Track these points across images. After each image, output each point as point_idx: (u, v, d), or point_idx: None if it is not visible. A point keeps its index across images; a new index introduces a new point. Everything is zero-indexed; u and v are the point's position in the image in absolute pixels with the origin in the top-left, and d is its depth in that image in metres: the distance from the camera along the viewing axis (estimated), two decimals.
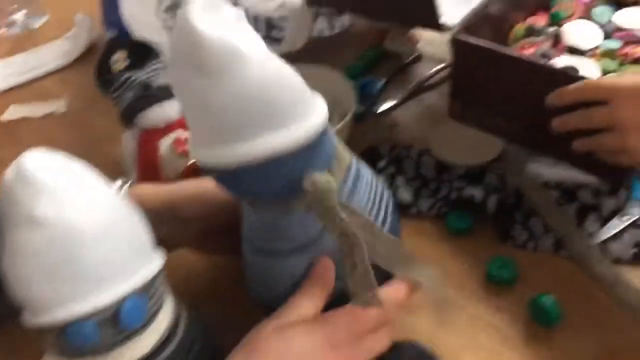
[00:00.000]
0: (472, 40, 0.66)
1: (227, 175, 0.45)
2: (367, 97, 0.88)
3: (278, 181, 0.45)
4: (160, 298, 0.46)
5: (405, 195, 0.70)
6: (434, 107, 0.86)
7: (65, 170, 0.42)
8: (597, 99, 0.58)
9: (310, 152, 0.45)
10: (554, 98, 0.61)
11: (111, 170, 0.85)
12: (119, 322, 0.42)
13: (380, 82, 0.90)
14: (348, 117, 0.75)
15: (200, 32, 0.40)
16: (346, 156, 0.52)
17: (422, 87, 0.89)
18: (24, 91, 1.00)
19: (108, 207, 0.43)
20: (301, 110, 0.45)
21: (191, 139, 0.47)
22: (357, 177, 0.52)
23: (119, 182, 0.60)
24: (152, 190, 0.57)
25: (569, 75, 0.62)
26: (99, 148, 0.86)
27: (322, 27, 0.94)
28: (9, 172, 0.41)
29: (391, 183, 0.71)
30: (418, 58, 0.94)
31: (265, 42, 0.93)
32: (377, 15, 0.80)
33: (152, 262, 0.45)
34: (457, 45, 0.68)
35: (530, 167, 0.70)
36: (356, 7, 0.81)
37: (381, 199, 0.55)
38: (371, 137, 0.81)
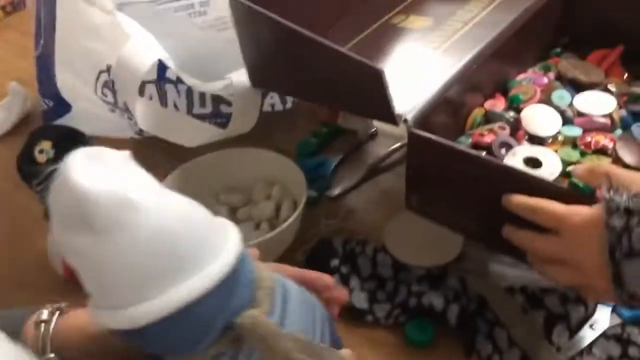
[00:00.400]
0: (426, 134, 0.62)
1: (134, 335, 0.39)
2: (320, 179, 0.83)
3: (193, 331, 0.39)
4: None
5: (360, 300, 0.64)
6: (390, 192, 0.81)
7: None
8: (545, 226, 0.53)
9: (225, 291, 0.40)
10: (505, 202, 0.57)
11: (36, 264, 0.77)
12: None
13: (334, 162, 0.86)
14: (299, 210, 0.69)
15: (83, 187, 0.35)
16: (268, 278, 0.46)
17: (379, 168, 0.85)
18: None
19: None
20: (209, 251, 0.40)
21: (89, 299, 0.41)
22: (285, 298, 0.46)
23: (44, 313, 0.53)
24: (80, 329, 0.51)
25: (521, 174, 0.58)
26: (25, 237, 0.78)
27: (273, 101, 0.89)
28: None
29: (345, 284, 0.66)
30: (374, 135, 0.90)
31: (212, 120, 0.90)
32: (325, 103, 0.76)
33: None
34: (411, 138, 0.63)
35: (493, 267, 0.65)
36: (303, 94, 0.76)
37: (314, 311, 0.49)
38: (324, 226, 0.75)
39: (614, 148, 0.68)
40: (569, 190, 0.58)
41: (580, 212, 0.50)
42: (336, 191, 0.81)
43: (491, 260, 0.66)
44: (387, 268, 0.67)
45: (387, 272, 0.67)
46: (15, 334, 0.50)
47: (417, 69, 0.74)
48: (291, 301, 0.46)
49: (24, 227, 0.80)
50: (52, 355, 0.50)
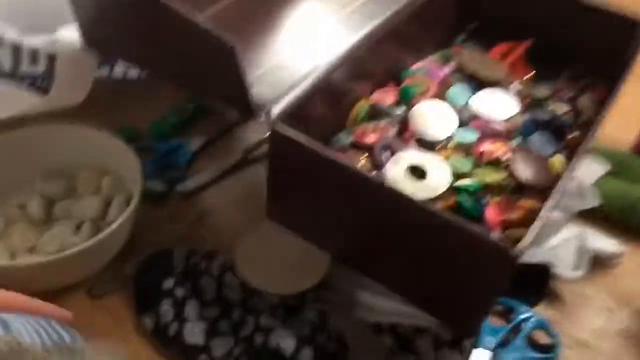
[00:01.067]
0: (288, 131, 0.49)
1: None
2: (174, 169, 0.69)
3: None
4: None
5: (195, 334, 0.51)
6: (258, 191, 0.68)
7: None
8: None
9: None
10: None
11: None
12: None
13: (194, 147, 0.71)
14: (131, 208, 0.55)
15: None
16: None
17: (248, 159, 0.71)
18: None
19: None
20: None
21: None
22: None
23: None
24: None
25: (390, 192, 0.47)
26: None
27: (120, 69, 0.72)
28: None
29: (178, 314, 0.52)
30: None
31: (27, 83, 0.72)
32: (173, 81, 0.61)
33: None
34: (272, 135, 0.51)
35: (360, 297, 0.54)
36: (147, 65, 0.60)
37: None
38: (167, 231, 0.61)
39: (509, 160, 0.59)
40: (445, 216, 0.47)
41: None
42: (189, 186, 0.67)
43: (359, 288, 0.55)
44: (235, 292, 0.55)
45: (235, 296, 0.55)
46: None
47: (294, 48, 0.61)
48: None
49: None
50: None
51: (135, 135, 0.71)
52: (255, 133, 0.75)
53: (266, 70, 0.55)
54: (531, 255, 0.60)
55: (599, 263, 0.62)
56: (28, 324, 0.37)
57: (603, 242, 0.62)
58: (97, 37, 0.60)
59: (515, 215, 0.54)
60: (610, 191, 0.66)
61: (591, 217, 0.66)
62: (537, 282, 0.59)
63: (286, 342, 0.49)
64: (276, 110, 0.51)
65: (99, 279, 0.56)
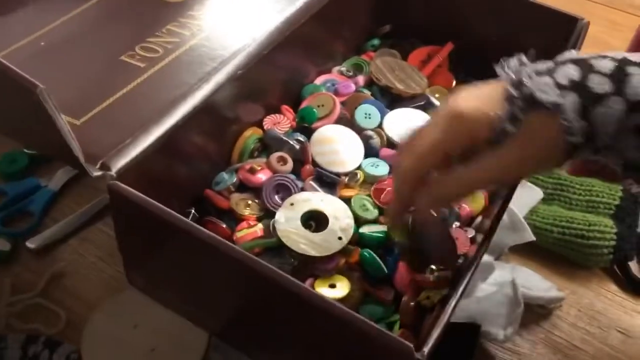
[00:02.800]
0: (126, 189, 0.37)
1: None
2: (26, 217, 0.56)
3: None
4: None
5: None
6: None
7: None
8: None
9: None
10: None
11: None
12: None
13: (54, 188, 0.58)
14: None
15: None
16: None
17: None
18: None
19: None
20: None
21: None
22: None
23: None
24: None
25: (252, 265, 0.36)
26: None
27: None
28: None
29: None
30: None
31: None
32: None
33: None
34: (111, 195, 0.38)
35: None
36: None
37: None
38: (8, 307, 0.49)
39: None
40: (322, 303, 0.36)
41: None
42: (43, 240, 0.54)
43: None
44: None
45: None
46: None
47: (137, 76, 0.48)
48: None
49: None
50: None
51: None
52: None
53: (105, 107, 0.43)
54: (456, 310, 0.50)
55: (535, 311, 0.53)
56: None
57: (539, 286, 0.53)
58: None
59: (432, 274, 0.44)
60: (546, 221, 0.57)
61: (525, 251, 0.57)
62: (464, 342, 0.50)
63: None
64: (118, 161, 0.39)
65: None
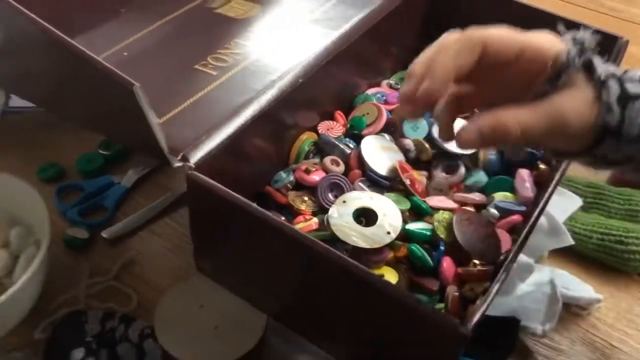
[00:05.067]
0: (204, 179, 0.42)
1: None
2: (101, 210, 0.62)
3: None
4: None
5: None
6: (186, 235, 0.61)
7: None
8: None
9: None
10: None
11: None
12: None
13: (125, 186, 0.64)
14: (35, 266, 0.48)
15: None
16: None
17: (185, 198, 0.64)
18: None
19: None
20: None
21: None
22: None
23: None
24: None
25: (321, 250, 0.40)
26: None
27: None
28: None
29: None
30: None
31: None
32: (86, 126, 0.53)
33: None
34: (190, 185, 0.44)
35: None
36: (59, 110, 0.53)
37: None
38: (85, 288, 0.54)
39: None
40: (381, 284, 0.40)
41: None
42: (116, 231, 0.59)
43: (299, 351, 0.48)
44: None
45: None
46: None
47: (219, 80, 0.54)
48: None
49: None
50: None
51: (60, 173, 0.64)
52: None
53: (191, 105, 0.48)
54: (497, 306, 0.53)
55: (573, 311, 0.55)
56: None
57: (577, 288, 0.56)
58: (3, 75, 0.53)
59: (474, 267, 0.47)
60: (585, 227, 0.60)
61: (564, 256, 0.59)
62: (504, 336, 0.52)
63: None
64: (197, 152, 0.44)
65: (4, 346, 0.49)
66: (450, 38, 0.38)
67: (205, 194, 0.43)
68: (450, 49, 0.37)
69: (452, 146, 0.57)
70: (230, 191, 0.41)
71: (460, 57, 0.37)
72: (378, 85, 0.66)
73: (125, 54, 0.55)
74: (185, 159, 0.43)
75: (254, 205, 0.41)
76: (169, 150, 0.43)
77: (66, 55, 0.42)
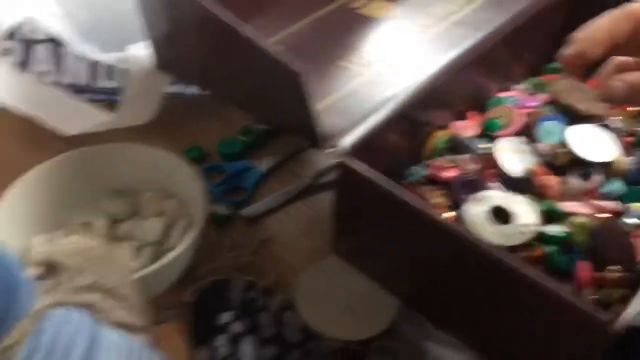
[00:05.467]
0: (357, 165, 0.45)
1: None
2: (240, 191, 0.67)
3: None
4: None
5: None
6: (326, 218, 0.64)
7: None
8: None
9: None
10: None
11: None
12: None
13: (262, 169, 0.69)
14: (192, 236, 0.53)
15: None
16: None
17: (318, 185, 0.68)
18: None
19: None
20: None
21: None
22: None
23: None
24: None
25: (464, 238, 0.42)
26: None
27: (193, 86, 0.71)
28: None
29: (233, 352, 0.50)
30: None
31: (103, 98, 0.71)
32: (242, 107, 0.58)
33: None
34: (341, 169, 0.47)
35: (429, 349, 0.50)
36: (217, 90, 0.58)
37: None
38: (227, 260, 0.59)
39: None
40: (522, 270, 0.41)
41: None
42: (256, 210, 0.64)
43: (429, 338, 0.51)
44: (295, 332, 0.51)
45: (294, 337, 0.51)
46: None
47: (369, 74, 0.57)
48: None
49: None
50: None
51: (203, 155, 0.70)
52: (328, 157, 0.71)
53: (338, 98, 0.52)
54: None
55: None
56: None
57: None
58: (167, 57, 0.59)
59: (612, 273, 0.48)
60: None
61: None
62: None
63: None
64: (346, 141, 0.47)
65: (155, 306, 0.54)
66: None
67: (355, 179, 0.46)
68: (606, 17, 0.41)
69: (586, 153, 0.57)
70: (385, 178, 0.44)
71: (616, 25, 0.41)
72: (507, 89, 0.67)
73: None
74: (337, 145, 0.47)
75: (403, 190, 0.43)
76: (322, 136, 0.47)
77: (235, 39, 0.46)
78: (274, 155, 0.70)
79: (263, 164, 0.69)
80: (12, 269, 0.35)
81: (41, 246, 0.46)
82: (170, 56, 0.58)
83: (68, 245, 0.40)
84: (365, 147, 0.48)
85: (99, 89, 0.68)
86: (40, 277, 0.39)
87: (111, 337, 0.39)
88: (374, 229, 0.49)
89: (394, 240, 0.48)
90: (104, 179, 0.60)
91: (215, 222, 0.62)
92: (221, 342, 0.50)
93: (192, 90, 0.70)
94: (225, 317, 0.51)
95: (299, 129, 0.49)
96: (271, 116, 0.54)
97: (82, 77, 0.67)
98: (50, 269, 0.39)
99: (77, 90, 0.66)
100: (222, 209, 0.63)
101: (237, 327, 0.51)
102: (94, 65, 0.67)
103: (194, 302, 0.54)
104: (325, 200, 0.67)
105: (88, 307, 0.39)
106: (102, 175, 0.60)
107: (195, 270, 0.57)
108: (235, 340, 0.50)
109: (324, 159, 0.71)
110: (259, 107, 0.53)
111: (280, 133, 0.73)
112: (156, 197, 0.59)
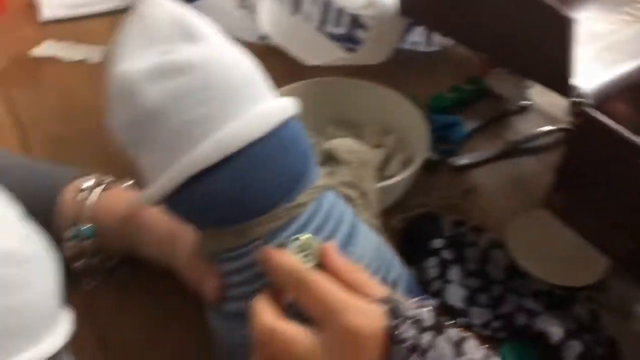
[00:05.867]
0: (605, 119, 0.47)
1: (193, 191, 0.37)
2: (447, 142, 0.70)
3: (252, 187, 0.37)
4: None
5: (457, 297, 0.52)
6: (526, 180, 0.66)
7: None
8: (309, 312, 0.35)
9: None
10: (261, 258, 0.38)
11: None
12: None
13: (471, 127, 0.72)
14: (415, 166, 0.58)
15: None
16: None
17: (519, 148, 0.70)
18: (67, 28, 0.87)
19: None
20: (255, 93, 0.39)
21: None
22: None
23: (89, 182, 0.51)
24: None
25: None
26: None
27: (416, 39, 0.76)
28: None
29: (442, 274, 0.53)
30: (525, 108, 0.75)
31: (343, 44, 0.78)
32: (487, 53, 0.61)
33: (40, 345, 0.31)
34: (581, 119, 0.48)
35: (634, 309, 0.50)
36: (460, 36, 0.61)
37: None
38: (435, 199, 0.63)
39: None
40: None
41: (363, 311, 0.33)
42: (462, 160, 0.67)
43: (636, 300, 0.51)
44: (499, 270, 0.54)
45: (498, 274, 0.54)
46: (52, 191, 0.50)
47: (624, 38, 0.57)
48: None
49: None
50: (88, 226, 0.48)
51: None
52: (529, 124, 0.73)
53: (595, 50, 0.53)
54: None
55: None
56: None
57: None
58: (411, 5, 0.63)
59: None
60: None
61: None
62: None
63: (553, 330, 0.47)
64: (591, 94, 0.49)
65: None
66: None
67: (598, 132, 0.47)
68: None
69: None
70: (633, 135, 0.45)
71: None
72: None
73: None
74: (583, 95, 0.49)
75: None
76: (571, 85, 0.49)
77: None
78: (478, 117, 0.73)
79: (468, 123, 0.72)
80: (307, 141, 0.41)
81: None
82: (415, 2, 0.62)
83: (346, 144, 0.46)
84: (609, 102, 0.49)
85: (327, 33, 0.75)
86: (321, 164, 0.45)
87: (364, 228, 0.44)
88: (603, 186, 0.50)
89: (623, 201, 0.48)
90: (332, 108, 0.66)
91: (424, 166, 0.66)
92: (432, 264, 0.54)
93: (416, 44, 0.75)
94: (437, 242, 0.55)
95: (550, 76, 0.51)
96: (520, 62, 0.56)
97: (314, 19, 0.75)
98: (329, 159, 0.46)
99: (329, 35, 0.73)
100: (431, 155, 0.67)
101: (446, 254, 0.55)
102: (326, 8, 0.73)
103: (404, 228, 0.59)
104: (524, 165, 0.69)
105: (348, 200, 0.45)
106: (330, 105, 0.66)
107: (404, 202, 0.62)
108: (444, 264, 0.54)
109: (525, 126, 0.73)
110: (508, 52, 0.56)
111: (487, 96, 0.75)
112: (377, 130, 0.64)
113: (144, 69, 0.35)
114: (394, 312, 0.33)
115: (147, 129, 0.36)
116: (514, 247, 0.54)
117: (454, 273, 0.54)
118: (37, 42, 0.84)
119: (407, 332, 0.32)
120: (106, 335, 0.51)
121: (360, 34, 0.74)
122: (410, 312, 0.33)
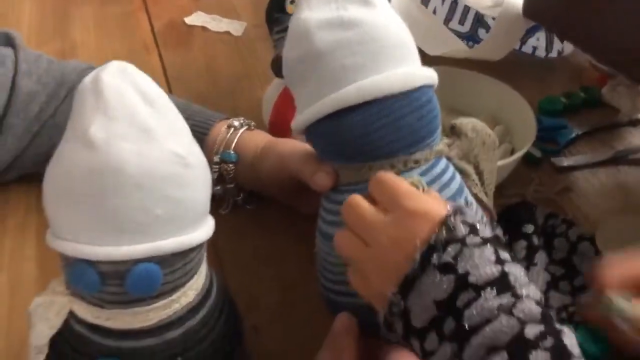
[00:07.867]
0: None
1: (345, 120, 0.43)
2: (552, 142, 0.73)
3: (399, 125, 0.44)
4: (193, 269, 0.40)
5: (538, 280, 0.55)
6: (627, 189, 0.68)
7: (143, 98, 0.36)
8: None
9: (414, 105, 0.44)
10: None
11: (247, 110, 0.80)
12: (123, 284, 0.36)
13: (578, 131, 0.74)
14: (519, 154, 0.62)
15: None
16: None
17: (627, 158, 0.71)
18: (216, 2, 0.99)
19: (167, 160, 0.37)
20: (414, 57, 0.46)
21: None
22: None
23: (236, 122, 0.61)
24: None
25: None
26: (250, 83, 0.82)
27: (536, 44, 0.79)
28: (89, 77, 0.37)
29: (529, 256, 0.57)
30: (637, 122, 0.76)
31: (464, 40, 0.83)
32: (606, 60, 0.63)
33: (194, 233, 0.39)
34: None
35: None
36: (583, 43, 0.64)
37: None
38: (532, 191, 0.66)
39: None
40: None
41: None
42: (566, 162, 0.70)
43: None
44: (587, 262, 0.57)
45: (584, 265, 0.57)
46: (205, 124, 0.60)
47: None
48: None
49: (253, 76, 0.83)
50: (232, 152, 0.59)
51: None
52: (635, 138, 0.74)
53: None
54: None
55: None
56: None
57: None
58: (536, 8, 0.67)
59: None
60: None
61: None
62: None
63: None
64: None
65: None
66: None
67: None
68: None
69: None
70: None
71: None
72: None
73: None
74: None
75: None
76: None
77: None
78: (586, 124, 0.75)
79: (575, 129, 0.75)
80: (437, 111, 0.47)
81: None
82: (540, 5, 0.66)
83: (472, 122, 0.51)
84: None
85: (451, 30, 0.80)
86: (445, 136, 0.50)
87: (469, 199, 0.49)
88: None
89: None
90: (446, 96, 0.71)
91: (527, 160, 0.70)
92: (521, 247, 0.58)
93: (536, 48, 0.78)
94: (529, 228, 0.59)
95: None
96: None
97: (441, 15, 0.80)
98: (453, 133, 0.50)
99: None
100: (535, 152, 0.70)
101: (536, 239, 0.58)
102: (453, 6, 0.78)
103: (499, 213, 0.62)
104: (632, 173, 0.70)
105: (463, 173, 0.50)
106: (445, 93, 0.71)
107: (503, 190, 0.66)
108: (533, 249, 0.58)
109: (630, 139, 0.74)
110: (633, 64, 0.58)
111: (600, 105, 0.77)
112: (487, 120, 0.69)
113: (321, 19, 0.43)
114: (456, 213, 0.36)
115: (310, 65, 0.43)
116: (603, 242, 0.56)
117: (540, 258, 0.57)
118: (190, 12, 0.95)
119: (459, 228, 0.35)
120: (224, 256, 0.59)
121: (482, 34, 0.78)
122: (470, 219, 0.37)
